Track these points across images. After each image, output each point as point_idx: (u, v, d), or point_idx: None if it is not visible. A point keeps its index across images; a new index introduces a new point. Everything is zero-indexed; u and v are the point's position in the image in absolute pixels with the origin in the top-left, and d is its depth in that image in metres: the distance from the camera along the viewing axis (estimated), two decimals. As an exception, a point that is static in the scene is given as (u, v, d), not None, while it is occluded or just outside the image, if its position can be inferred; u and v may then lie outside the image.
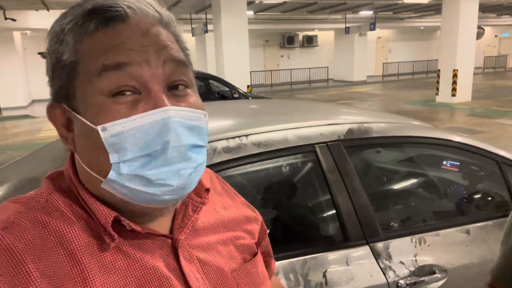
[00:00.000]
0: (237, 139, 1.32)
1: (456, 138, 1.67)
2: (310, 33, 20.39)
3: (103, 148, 0.45)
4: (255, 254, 0.65)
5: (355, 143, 1.47)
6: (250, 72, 10.46)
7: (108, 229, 0.48)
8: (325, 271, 1.29)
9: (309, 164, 1.45)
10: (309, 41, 20.58)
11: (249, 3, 10.25)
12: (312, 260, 1.30)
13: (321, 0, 11.73)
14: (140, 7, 0.48)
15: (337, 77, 20.19)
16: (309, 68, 19.50)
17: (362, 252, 1.37)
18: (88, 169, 0.48)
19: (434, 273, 1.41)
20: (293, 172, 1.50)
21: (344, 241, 1.36)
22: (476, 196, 1.75)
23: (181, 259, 0.53)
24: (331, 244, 1.38)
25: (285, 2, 11.61)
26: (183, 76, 0.50)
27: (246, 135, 1.34)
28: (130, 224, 0.49)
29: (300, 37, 20.47)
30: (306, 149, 1.38)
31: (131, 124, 0.45)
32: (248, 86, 9.72)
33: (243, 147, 1.31)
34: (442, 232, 1.52)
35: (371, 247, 1.38)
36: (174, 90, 0.49)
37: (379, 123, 1.58)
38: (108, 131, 0.45)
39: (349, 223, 1.36)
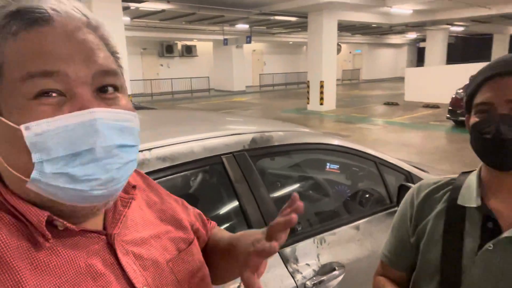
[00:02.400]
0: (139, 154, 1.20)
1: (344, 143, 1.85)
2: (189, 43, 20.39)
3: (26, 148, 0.45)
4: (190, 243, 0.67)
5: (259, 152, 1.50)
6: (130, 80, 9.90)
7: (41, 229, 0.47)
8: (239, 286, 1.27)
9: (217, 176, 1.41)
10: (189, 51, 20.56)
11: (124, 9, 9.73)
12: (226, 275, 1.26)
13: (199, 11, 11.85)
14: (65, 9, 0.48)
15: (218, 87, 20.63)
16: (190, 78, 19.47)
17: (271, 259, 1.39)
18: (12, 171, 0.47)
19: (334, 269, 1.52)
20: (201, 185, 1.44)
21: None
22: (360, 195, 1.96)
23: (118, 253, 0.54)
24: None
25: (163, 11, 11.37)
26: (111, 81, 0.51)
27: (149, 149, 1.23)
28: (64, 222, 0.49)
29: (179, 47, 20.30)
30: (213, 160, 1.35)
31: (55, 124, 0.45)
32: (128, 96, 9.18)
33: (146, 162, 1.20)
34: (338, 230, 1.65)
35: (280, 253, 1.41)
36: (103, 93, 0.50)
37: (278, 132, 1.64)
38: (32, 130, 0.44)
39: (258, 232, 1.37)
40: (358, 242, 1.68)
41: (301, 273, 1.42)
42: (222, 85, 20.37)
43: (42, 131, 0.44)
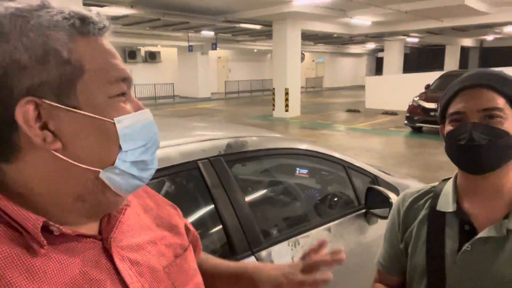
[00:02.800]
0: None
1: (315, 147, 1.91)
2: (153, 49, 20.06)
3: (114, 139, 0.51)
4: (185, 249, 0.68)
5: (234, 157, 1.52)
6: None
7: (36, 236, 0.47)
8: (217, 288, 1.28)
9: (194, 181, 1.42)
10: (152, 57, 20.22)
11: (85, 13, 9.43)
12: (204, 280, 1.26)
13: (164, 17, 11.72)
14: (108, 21, 0.55)
15: (183, 94, 20.40)
16: (154, 84, 19.13)
17: (248, 262, 1.41)
18: (81, 165, 0.49)
19: (308, 271, 1.56)
20: (178, 191, 1.43)
21: (232, 254, 1.37)
22: (330, 198, 2.03)
23: (115, 258, 0.54)
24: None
25: (126, 16, 11.14)
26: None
27: (125, 155, 1.22)
28: (60, 227, 0.49)
29: (143, 52, 19.92)
30: (190, 166, 1.35)
31: (137, 118, 0.53)
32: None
33: (123, 168, 1.18)
34: (311, 233, 1.70)
35: (256, 256, 1.44)
36: None
37: (252, 137, 1.67)
38: (122, 123, 0.51)
39: (235, 236, 1.39)
40: (330, 244, 1.72)
41: None
42: (187, 91, 20.17)
43: (130, 124, 0.52)
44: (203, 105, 17.17)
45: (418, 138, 8.85)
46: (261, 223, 1.65)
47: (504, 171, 0.85)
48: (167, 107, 16.69)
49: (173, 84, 20.07)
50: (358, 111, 13.95)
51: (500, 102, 0.82)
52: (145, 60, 20.07)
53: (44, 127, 0.47)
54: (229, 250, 1.38)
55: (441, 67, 21.17)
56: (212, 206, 1.38)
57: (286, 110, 12.98)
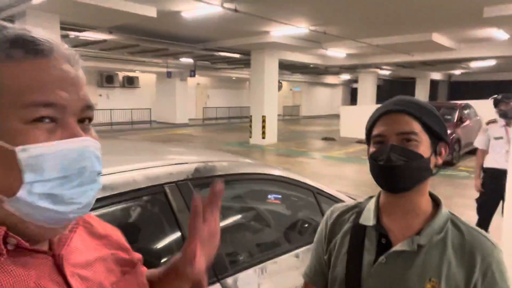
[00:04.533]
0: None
1: (285, 173, 1.93)
2: (131, 74, 20.01)
3: (16, 168, 0.47)
4: (134, 266, 0.69)
5: (202, 181, 1.51)
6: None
7: None
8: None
9: (160, 206, 1.40)
10: (130, 82, 20.13)
11: (63, 37, 9.40)
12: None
13: (143, 44, 11.80)
14: (57, 45, 0.52)
15: (160, 119, 20.28)
16: (131, 109, 18.96)
17: (213, 290, 1.38)
18: None
19: (275, 298, 1.55)
20: (143, 215, 1.41)
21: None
22: (300, 224, 2.03)
23: (67, 273, 0.55)
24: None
25: (104, 41, 11.15)
26: (90, 114, 0.56)
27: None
28: (19, 239, 0.49)
29: (120, 77, 19.83)
30: (156, 190, 1.34)
31: (52, 148, 0.49)
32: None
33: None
34: (279, 258, 1.69)
35: (222, 283, 1.41)
36: (81, 123, 0.54)
37: (222, 162, 1.68)
38: (28, 152, 0.47)
39: (200, 262, 1.36)
40: (298, 270, 1.73)
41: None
42: (165, 117, 20.07)
43: (38, 153, 0.48)
44: (180, 131, 17.09)
45: (390, 167, 9.05)
46: (228, 249, 1.63)
47: (419, 192, 0.92)
48: (144, 132, 16.51)
49: (150, 109, 19.96)
50: (334, 139, 14.22)
51: (417, 127, 0.89)
52: (123, 85, 19.96)
53: None
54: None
55: (412, 99, 21.95)
56: (178, 231, 1.36)
57: (263, 137, 13.09)
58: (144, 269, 0.80)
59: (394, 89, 28.63)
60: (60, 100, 0.50)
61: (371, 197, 1.05)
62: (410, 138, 0.88)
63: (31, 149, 0.47)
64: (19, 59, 0.49)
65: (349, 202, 1.10)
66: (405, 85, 26.94)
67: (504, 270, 0.87)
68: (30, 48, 0.49)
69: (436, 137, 0.92)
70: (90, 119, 0.57)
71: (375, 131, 0.93)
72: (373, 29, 10.42)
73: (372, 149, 0.94)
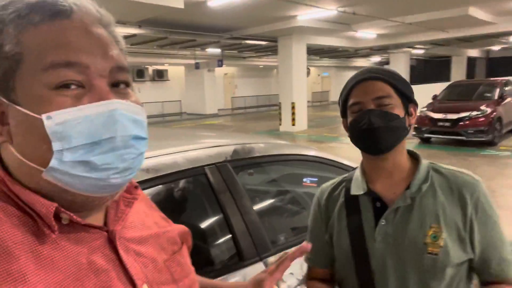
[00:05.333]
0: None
1: (322, 154, 1.90)
2: (160, 67, 20.37)
3: (46, 137, 0.46)
4: (180, 248, 0.70)
5: (241, 163, 1.52)
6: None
7: (48, 220, 0.47)
8: None
9: (201, 187, 1.42)
10: (160, 75, 20.51)
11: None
12: (212, 286, 1.25)
13: (171, 36, 11.94)
14: (83, 4, 0.51)
15: (190, 111, 20.58)
16: (162, 102, 19.35)
17: (257, 269, 1.39)
18: (26, 161, 0.48)
19: (317, 277, 1.54)
20: (185, 196, 1.44)
21: (240, 260, 1.36)
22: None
23: (120, 249, 0.55)
24: (229, 266, 1.36)
25: (134, 35, 11.38)
26: (124, 78, 0.54)
27: (133, 161, 1.23)
28: (71, 214, 0.49)
29: (150, 71, 20.24)
30: (197, 171, 1.36)
31: (77, 114, 0.47)
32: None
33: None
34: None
35: (264, 262, 1.42)
36: (116, 87, 0.52)
37: (259, 143, 1.67)
38: (53, 119, 0.46)
39: (243, 242, 1.38)
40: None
41: (285, 282, 1.43)
42: (194, 108, 20.35)
43: (63, 120, 0.46)
44: (210, 121, 17.28)
45: (426, 149, 8.77)
46: (269, 230, 1.64)
47: (399, 150, 0.97)
48: (175, 124, 16.82)
49: (180, 101, 20.29)
50: (366, 124, 13.88)
51: (390, 91, 0.95)
52: (153, 79, 20.37)
53: (5, 122, 0.49)
54: (237, 256, 1.37)
55: (447, 79, 21.10)
56: (219, 211, 1.38)
57: (293, 124, 13.00)
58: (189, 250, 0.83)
59: (428, 69, 27.55)
60: (81, 59, 0.48)
61: (354, 169, 1.09)
62: (385, 102, 0.93)
63: (56, 115, 0.46)
64: (38, 22, 0.47)
65: (335, 179, 1.13)
66: (440, 64, 25.80)
67: (489, 198, 0.94)
68: (47, 10, 0.48)
69: (407, 99, 0.97)
70: (127, 83, 0.54)
71: (352, 100, 0.97)
72: (406, 6, 9.99)
73: (350, 118, 0.98)
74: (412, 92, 1.00)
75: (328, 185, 1.12)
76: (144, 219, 0.66)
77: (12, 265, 0.44)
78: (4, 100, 0.48)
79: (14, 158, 0.49)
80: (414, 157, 1.02)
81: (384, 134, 0.93)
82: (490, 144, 8.64)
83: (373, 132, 0.93)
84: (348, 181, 1.06)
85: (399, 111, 0.95)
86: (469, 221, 0.91)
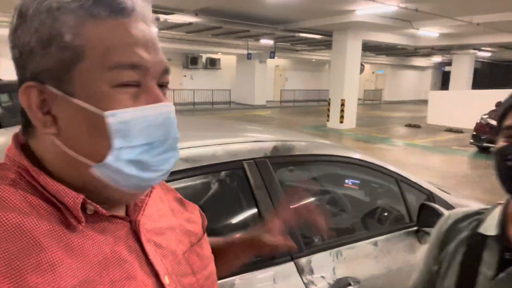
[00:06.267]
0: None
1: (365, 157, 1.83)
2: (213, 56, 20.75)
3: (106, 134, 0.46)
4: (200, 238, 0.69)
5: (280, 160, 1.50)
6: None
7: (76, 212, 0.48)
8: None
9: (238, 181, 1.42)
10: (212, 64, 20.90)
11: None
12: (241, 281, 1.26)
13: (226, 25, 12.08)
14: (141, 4, 0.51)
15: (239, 100, 20.81)
16: (212, 90, 19.73)
17: (287, 268, 1.38)
18: (76, 155, 0.48)
19: (350, 284, 1.50)
20: (222, 188, 1.45)
21: (270, 258, 1.35)
22: (379, 211, 1.93)
23: (143, 239, 0.55)
24: (259, 262, 1.36)
25: (190, 23, 11.65)
26: (168, 79, 0.54)
27: (173, 150, 1.26)
28: (97, 206, 0.50)
29: (204, 59, 20.67)
30: (235, 165, 1.36)
31: (139, 113, 0.48)
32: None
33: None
34: (355, 245, 1.63)
35: (296, 263, 1.40)
36: (160, 88, 0.53)
37: (300, 142, 1.64)
38: (116, 117, 0.46)
39: (275, 240, 1.36)
40: (375, 259, 1.65)
41: (316, 285, 1.40)
42: (243, 98, 20.54)
43: (126, 119, 0.47)
44: (258, 112, 17.37)
45: (484, 159, 8.18)
46: (303, 231, 1.61)
47: None
48: (223, 112, 17.11)
49: (230, 90, 20.57)
50: (419, 127, 13.24)
51: None
52: (205, 67, 20.82)
53: (48, 112, 0.48)
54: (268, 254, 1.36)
55: (515, 85, 19.48)
56: (254, 206, 1.38)
57: (341, 122, 12.69)
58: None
59: (494, 73, 25.62)
60: (143, 61, 0.48)
61: (498, 204, 0.91)
62: None
63: (120, 114, 0.46)
64: (103, 17, 0.47)
65: (470, 208, 0.96)
66: (508, 68, 23.87)
67: None
68: (113, 6, 0.47)
69: None
70: (167, 84, 0.55)
71: (507, 122, 0.77)
72: (474, 5, 9.29)
73: (501, 143, 0.79)
74: None
75: (457, 212, 0.96)
76: (159, 206, 0.65)
77: (41, 255, 0.44)
78: (54, 89, 0.47)
79: (55, 150, 0.49)
80: None
81: None
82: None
83: None
84: (484, 216, 0.89)
85: None
86: None
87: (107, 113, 0.46)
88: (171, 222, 0.64)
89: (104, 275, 0.48)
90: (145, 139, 0.48)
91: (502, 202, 0.89)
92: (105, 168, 0.47)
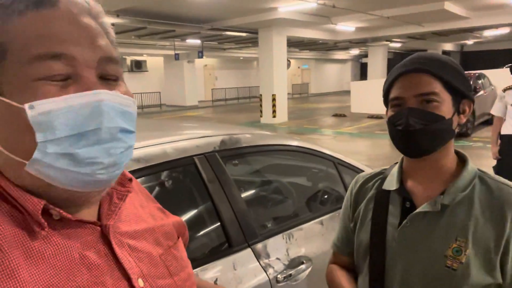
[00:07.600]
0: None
1: (303, 144, 1.96)
2: (138, 58, 20.00)
3: (29, 128, 0.44)
4: (175, 241, 0.69)
5: (229, 153, 1.56)
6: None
7: (37, 218, 0.47)
8: (216, 280, 1.31)
9: (190, 176, 1.45)
10: (138, 66, 20.15)
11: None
12: (202, 272, 1.29)
13: (150, 26, 11.74)
14: None
15: (170, 102, 20.35)
16: (141, 93, 19.05)
17: (245, 255, 1.44)
18: (9, 154, 0.46)
19: (302, 263, 1.61)
20: (177, 185, 1.47)
21: (229, 247, 1.41)
22: (321, 194, 2.08)
23: (113, 244, 0.54)
24: (218, 253, 1.40)
25: (112, 25, 11.09)
26: (113, 71, 0.51)
27: (123, 151, 1.25)
28: (60, 211, 0.48)
29: (128, 62, 19.84)
30: (186, 161, 1.39)
31: (61, 103, 0.45)
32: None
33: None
34: (304, 226, 1.74)
35: (252, 248, 1.47)
36: (105, 80, 0.51)
37: (245, 134, 1.71)
38: (36, 109, 0.44)
39: (232, 229, 1.42)
40: (323, 237, 1.78)
41: (273, 267, 1.49)
42: (174, 100, 20.12)
43: (47, 110, 0.44)
44: (190, 113, 17.15)
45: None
46: (256, 218, 1.69)
47: (443, 153, 0.89)
48: (155, 115, 16.61)
49: (160, 92, 20.02)
50: (345, 116, 14.13)
51: (437, 86, 0.84)
52: (130, 70, 19.99)
53: None
54: (226, 243, 1.41)
55: (423, 71, 21.52)
56: (209, 200, 1.42)
57: (274, 116, 13.08)
58: (186, 241, 0.81)
59: (404, 62, 27.95)
60: (67, 50, 0.46)
61: (396, 163, 1.03)
62: (430, 99, 0.83)
63: (39, 105, 0.44)
64: (22, 11, 0.46)
65: (374, 170, 1.09)
66: (416, 57, 26.29)
67: None
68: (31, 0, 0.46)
69: (460, 95, 0.87)
70: (116, 77, 0.52)
71: (392, 94, 0.88)
72: (384, 0, 10.16)
73: (389, 113, 0.89)
74: (468, 86, 0.88)
75: (364, 174, 1.08)
76: (139, 212, 0.65)
77: (2, 260, 0.43)
78: None
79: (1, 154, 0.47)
80: (462, 159, 0.92)
81: (422, 138, 0.84)
82: (464, 135, 8.96)
83: (409, 135, 0.84)
84: (385, 175, 1.01)
85: (446, 110, 0.84)
86: (505, 242, 0.81)
87: (25, 105, 0.44)
88: (149, 225, 0.64)
89: (71, 280, 0.48)
90: (71, 130, 0.45)
91: (397, 161, 1.04)
92: (38, 165, 0.45)
